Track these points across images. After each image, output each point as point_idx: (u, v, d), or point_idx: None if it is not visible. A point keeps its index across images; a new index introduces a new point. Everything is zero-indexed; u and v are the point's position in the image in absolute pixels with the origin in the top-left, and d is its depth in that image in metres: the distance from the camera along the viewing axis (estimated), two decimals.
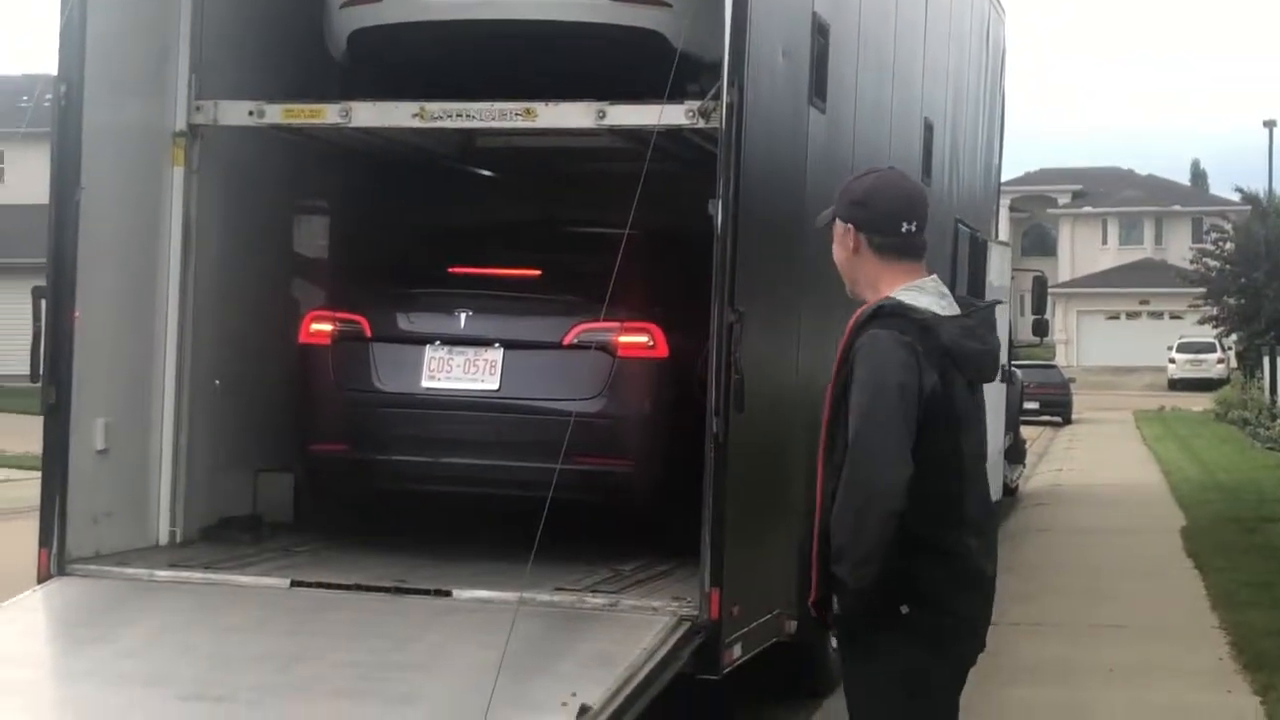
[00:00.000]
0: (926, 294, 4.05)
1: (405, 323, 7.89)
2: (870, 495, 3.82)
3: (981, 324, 4.14)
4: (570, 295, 7.68)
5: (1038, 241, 79.25)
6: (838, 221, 4.24)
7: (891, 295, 4.02)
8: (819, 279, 7.07)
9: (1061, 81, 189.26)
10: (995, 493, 13.45)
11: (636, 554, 7.56)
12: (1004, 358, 12.87)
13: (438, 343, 7.65)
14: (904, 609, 3.91)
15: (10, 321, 32.82)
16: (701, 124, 6.88)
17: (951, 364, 3.97)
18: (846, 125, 8.45)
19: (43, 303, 6.97)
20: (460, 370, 7.61)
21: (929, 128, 10.78)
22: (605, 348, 7.48)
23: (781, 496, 7.45)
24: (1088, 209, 77.31)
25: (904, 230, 4.13)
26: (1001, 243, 15.70)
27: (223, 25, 7.83)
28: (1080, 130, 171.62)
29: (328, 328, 7.87)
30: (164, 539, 7.62)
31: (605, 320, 7.33)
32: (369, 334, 7.79)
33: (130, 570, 7.10)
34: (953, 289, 4.30)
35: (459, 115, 7.43)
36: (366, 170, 8.92)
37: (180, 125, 7.62)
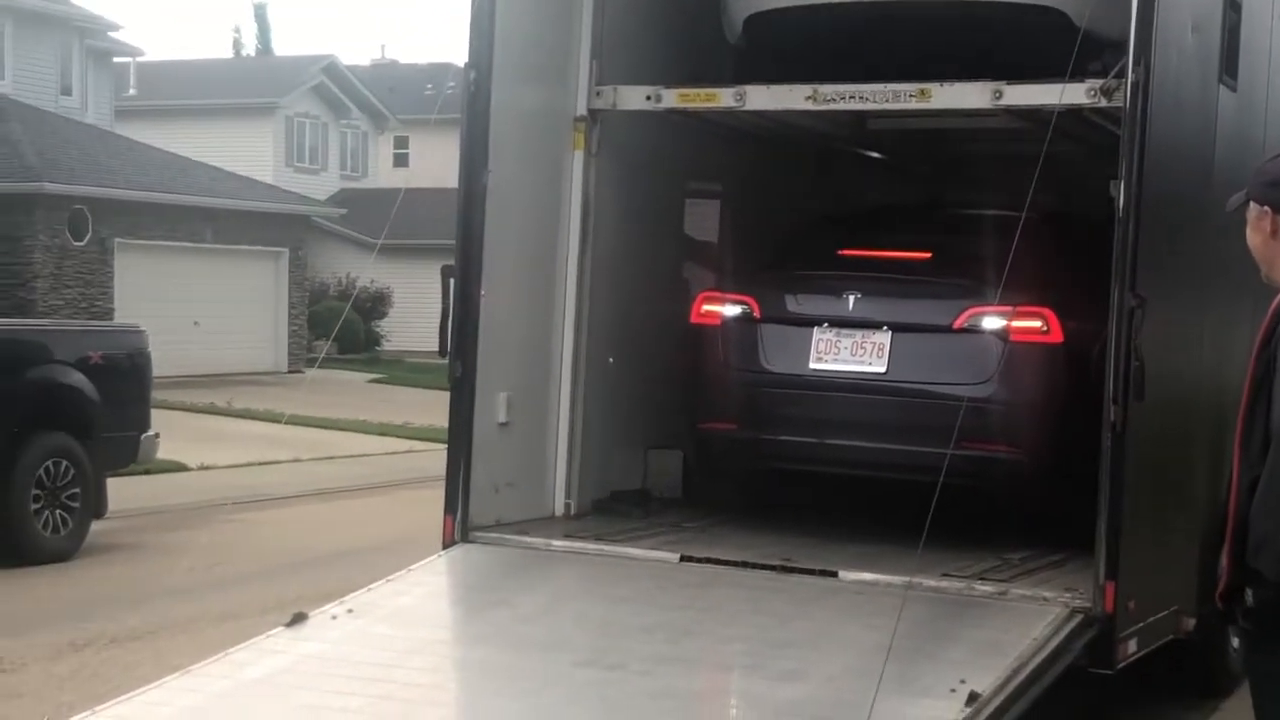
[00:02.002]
0: None
1: (794, 304, 7.93)
2: None
3: None
4: (961, 278, 7.58)
5: None
6: (1252, 204, 4.08)
7: None
8: (1226, 264, 6.81)
9: None
10: None
11: (1024, 543, 7.42)
12: None
13: (825, 325, 7.67)
14: None
15: (416, 299, 34.62)
16: (1104, 103, 6.68)
17: None
18: (1259, 104, 8.06)
19: (451, 281, 7.28)
20: (848, 352, 7.61)
21: None
22: (997, 332, 7.36)
23: (1182, 489, 7.19)
24: None
25: None
26: None
27: (622, 11, 8.02)
28: None
29: (718, 309, 7.99)
30: (559, 510, 7.88)
31: (997, 304, 7.20)
32: (758, 315, 7.87)
33: (528, 539, 7.35)
34: None
35: (852, 97, 7.42)
36: (757, 152, 9.00)
37: (581, 110, 7.83)
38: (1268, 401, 3.79)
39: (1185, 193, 7.03)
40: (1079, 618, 6.22)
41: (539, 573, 7.08)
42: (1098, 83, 6.68)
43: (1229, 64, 7.44)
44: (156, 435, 12.80)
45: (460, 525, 7.27)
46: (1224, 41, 7.35)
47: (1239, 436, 3.91)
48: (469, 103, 7.24)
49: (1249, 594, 3.86)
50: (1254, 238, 4.09)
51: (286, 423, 21.12)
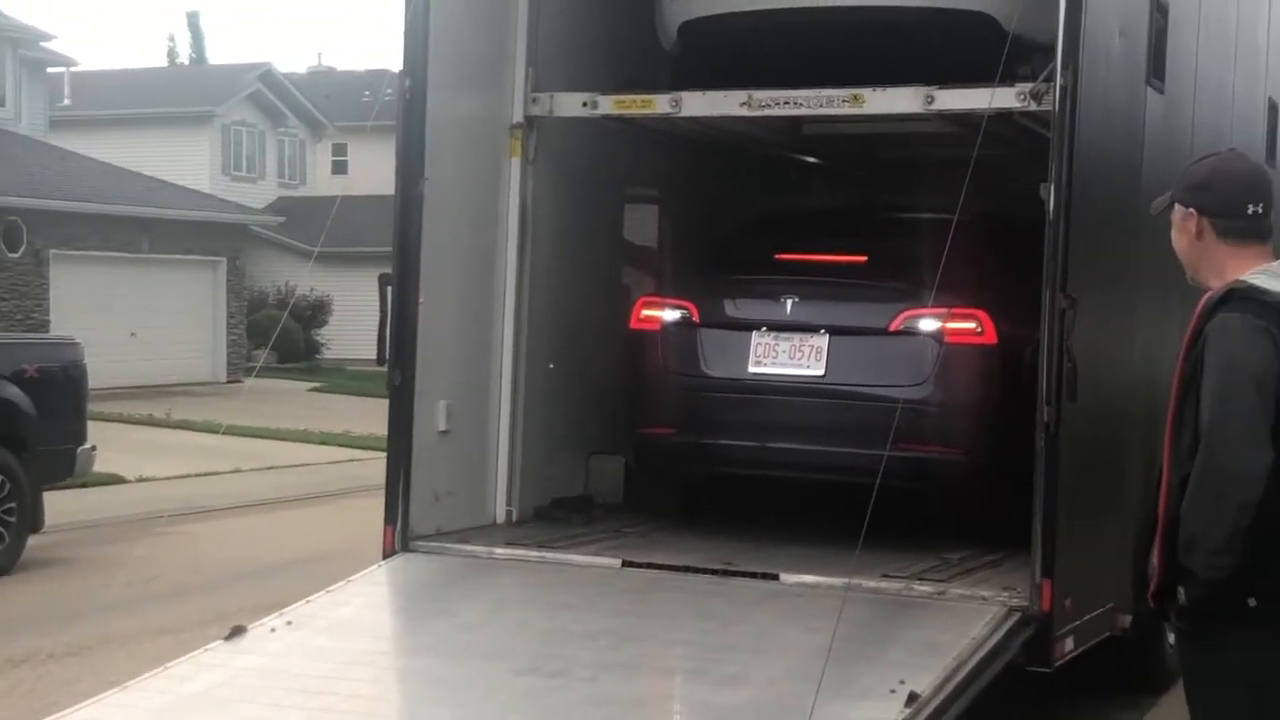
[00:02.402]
0: (1277, 278, 3.91)
1: (732, 309, 7.97)
2: (1227, 483, 3.71)
3: None
4: (896, 281, 7.65)
5: None
6: (1177, 207, 4.13)
7: (1242, 279, 3.89)
8: (1155, 265, 6.88)
9: None
10: None
11: (963, 543, 7.48)
12: None
13: (764, 329, 7.71)
14: (1251, 601, 3.79)
15: (356, 307, 34.46)
16: (1033, 107, 6.76)
17: None
18: (1186, 107, 8.16)
19: (389, 289, 7.27)
20: (786, 356, 7.66)
21: (1273, 108, 10.32)
22: (932, 334, 7.42)
23: (1116, 488, 7.26)
24: None
25: (1250, 212, 4.01)
26: None
27: (557, 19, 8.03)
28: None
29: (658, 314, 8.01)
30: (500, 518, 7.89)
31: (932, 306, 7.27)
32: (697, 320, 7.91)
33: (469, 547, 7.35)
34: None
35: (786, 103, 7.47)
36: (694, 158, 9.04)
37: (517, 117, 7.85)
38: (1196, 400, 3.83)
39: (1115, 194, 7.11)
40: (1016, 616, 6.28)
41: (480, 581, 7.07)
42: (1027, 87, 6.76)
43: (1156, 67, 7.53)
44: (93, 448, 12.67)
45: (400, 534, 7.26)
46: (1151, 45, 7.44)
47: (1168, 435, 3.96)
48: (404, 110, 7.24)
49: (1181, 592, 3.89)
50: (1179, 240, 4.14)
51: (225, 433, 20.97)
